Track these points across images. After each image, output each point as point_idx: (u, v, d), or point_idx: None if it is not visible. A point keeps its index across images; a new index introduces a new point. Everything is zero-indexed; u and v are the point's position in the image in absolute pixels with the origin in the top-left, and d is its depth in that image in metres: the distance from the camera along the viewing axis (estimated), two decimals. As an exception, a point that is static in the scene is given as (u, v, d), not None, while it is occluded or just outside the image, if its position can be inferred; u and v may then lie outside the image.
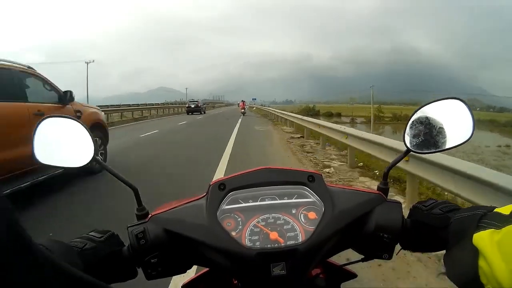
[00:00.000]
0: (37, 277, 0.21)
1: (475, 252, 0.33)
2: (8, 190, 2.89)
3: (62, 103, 4.27)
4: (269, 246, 0.43)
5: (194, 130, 12.24)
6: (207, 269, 0.54)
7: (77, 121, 0.47)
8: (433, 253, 1.92)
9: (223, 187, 0.47)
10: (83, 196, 3.53)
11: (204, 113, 28.24)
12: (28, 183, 3.21)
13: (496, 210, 0.36)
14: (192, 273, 0.57)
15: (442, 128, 0.49)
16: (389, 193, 0.50)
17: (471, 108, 0.49)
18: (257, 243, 0.43)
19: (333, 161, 5.74)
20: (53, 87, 4.23)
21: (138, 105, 23.37)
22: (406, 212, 0.47)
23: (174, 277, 1.57)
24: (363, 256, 0.49)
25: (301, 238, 0.44)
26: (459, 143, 0.49)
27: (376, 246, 0.46)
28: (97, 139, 4.75)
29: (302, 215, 0.46)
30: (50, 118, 0.46)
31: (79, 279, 0.25)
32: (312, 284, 0.51)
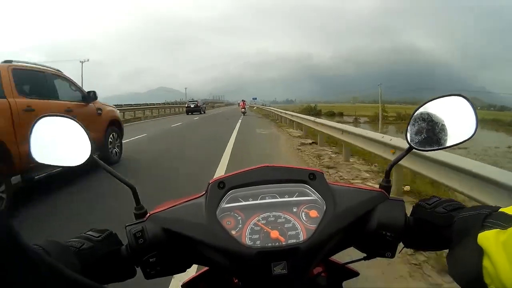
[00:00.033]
0: (32, 279, 0.21)
1: (479, 252, 0.32)
2: (43, 174, 3.59)
3: (86, 101, 4.81)
4: (269, 245, 0.42)
5: (189, 132, 11.23)
6: (207, 268, 0.53)
7: (75, 121, 0.46)
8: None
9: (222, 186, 0.47)
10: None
11: (204, 113, 28.31)
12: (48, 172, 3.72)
13: (501, 210, 0.35)
14: (192, 272, 0.57)
15: (445, 125, 0.48)
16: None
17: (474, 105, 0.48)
18: (258, 242, 0.42)
19: (368, 182, 4.01)
20: (77, 87, 4.81)
21: (138, 105, 23.33)
22: (408, 211, 0.47)
23: (174, 276, 1.56)
24: (365, 255, 0.48)
25: (302, 237, 0.43)
26: (462, 140, 0.48)
27: (379, 244, 0.45)
28: (114, 133, 5.40)
29: (303, 213, 0.45)
30: (47, 117, 0.45)
31: (73, 281, 0.25)
32: (313, 282, 0.50)
